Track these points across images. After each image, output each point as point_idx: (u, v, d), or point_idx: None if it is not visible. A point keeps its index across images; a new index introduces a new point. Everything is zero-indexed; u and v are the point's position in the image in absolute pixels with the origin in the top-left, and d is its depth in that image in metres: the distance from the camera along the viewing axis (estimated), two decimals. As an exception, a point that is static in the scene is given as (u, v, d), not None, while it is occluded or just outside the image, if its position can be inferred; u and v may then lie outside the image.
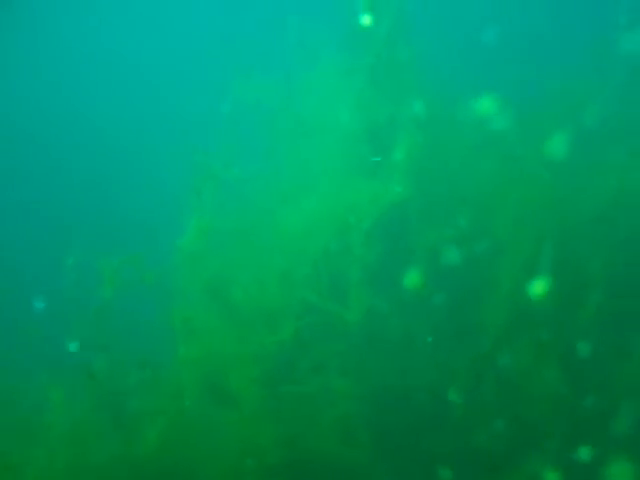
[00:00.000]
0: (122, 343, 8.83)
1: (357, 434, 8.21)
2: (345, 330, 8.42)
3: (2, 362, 8.93)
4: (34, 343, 9.32)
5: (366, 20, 8.44)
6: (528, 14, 9.37)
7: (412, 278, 8.36)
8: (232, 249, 8.87)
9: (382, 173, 8.51)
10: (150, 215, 9.93)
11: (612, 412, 7.77)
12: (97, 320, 8.82)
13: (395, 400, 8.29)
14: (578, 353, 7.92)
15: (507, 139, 8.36)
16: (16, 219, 10.90)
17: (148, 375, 8.73)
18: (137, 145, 10.70)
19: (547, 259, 7.82)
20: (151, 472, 8.38)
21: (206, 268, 8.83)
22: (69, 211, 10.63)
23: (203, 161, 8.88)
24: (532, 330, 8.12)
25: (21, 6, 11.12)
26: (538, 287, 7.89)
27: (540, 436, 7.84)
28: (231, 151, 8.89)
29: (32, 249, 10.47)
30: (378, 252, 8.44)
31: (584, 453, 7.50)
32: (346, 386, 8.31)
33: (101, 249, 8.75)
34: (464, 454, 8.00)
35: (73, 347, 8.99)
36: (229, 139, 8.88)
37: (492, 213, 8.40)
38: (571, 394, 7.90)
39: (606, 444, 7.56)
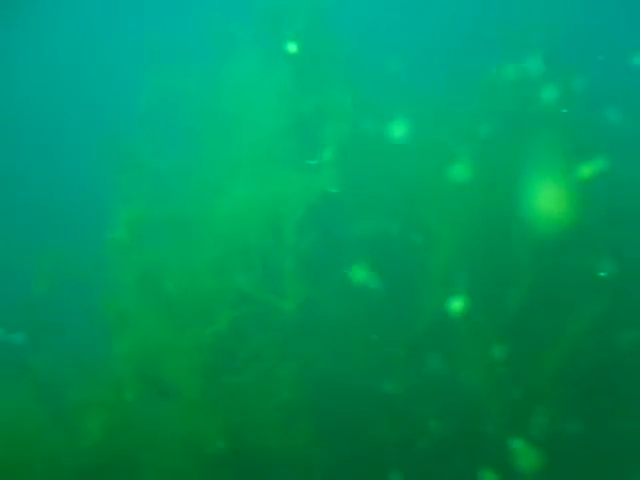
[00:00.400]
0: (57, 337, 8.78)
1: (298, 422, 8.37)
2: (282, 319, 8.52)
3: None
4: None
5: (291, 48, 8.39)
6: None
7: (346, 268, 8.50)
8: (163, 240, 8.86)
9: (311, 165, 8.55)
10: (78, 208, 9.79)
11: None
12: (29, 315, 8.75)
13: (334, 387, 8.47)
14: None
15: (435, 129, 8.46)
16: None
17: (85, 369, 8.69)
18: (61, 138, 10.47)
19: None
20: (93, 465, 8.41)
21: (137, 260, 8.80)
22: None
23: (130, 152, 8.76)
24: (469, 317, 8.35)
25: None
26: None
27: (476, 422, 8.15)
28: (157, 141, 8.81)
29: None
30: (311, 241, 8.50)
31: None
32: (285, 375, 8.43)
33: (32, 244, 8.63)
34: (407, 439, 8.27)
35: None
36: (155, 129, 8.79)
37: (421, 202, 8.53)
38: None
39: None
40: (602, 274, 8.22)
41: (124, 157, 8.80)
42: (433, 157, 8.66)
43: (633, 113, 8.72)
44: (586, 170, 8.19)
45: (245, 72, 8.80)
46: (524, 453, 7.88)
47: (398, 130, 8.66)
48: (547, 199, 8.12)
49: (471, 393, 8.23)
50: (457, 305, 8.25)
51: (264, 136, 8.73)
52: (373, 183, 8.67)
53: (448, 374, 8.35)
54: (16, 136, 10.85)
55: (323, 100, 8.65)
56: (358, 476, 8.26)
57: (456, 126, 8.62)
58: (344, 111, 8.60)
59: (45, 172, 10.63)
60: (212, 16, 8.83)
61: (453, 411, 8.31)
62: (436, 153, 8.63)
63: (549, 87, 8.49)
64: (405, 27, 9.12)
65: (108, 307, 8.73)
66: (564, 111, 8.36)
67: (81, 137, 10.02)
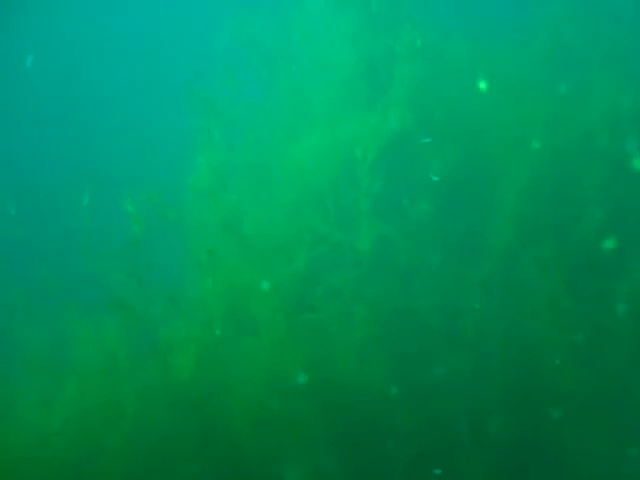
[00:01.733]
0: (150, 276, 9.18)
1: (373, 358, 8.67)
2: (356, 258, 8.77)
3: (30, 299, 9.22)
4: (60, 278, 9.63)
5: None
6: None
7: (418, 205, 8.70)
8: (242, 185, 9.15)
9: (382, 106, 8.70)
10: (162, 154, 10.15)
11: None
12: (123, 253, 9.15)
13: (407, 325, 8.72)
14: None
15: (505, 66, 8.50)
16: (33, 162, 11.15)
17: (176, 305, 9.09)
18: (145, 87, 10.80)
19: None
20: (185, 398, 8.80)
21: (219, 204, 9.11)
22: (84, 155, 10.87)
23: (210, 99, 9.04)
24: (533, 249, 8.47)
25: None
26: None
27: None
28: (234, 88, 9.07)
29: (49, 191, 10.73)
30: (383, 182, 8.70)
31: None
32: (360, 311, 8.72)
33: (118, 189, 9.02)
34: (476, 374, 8.50)
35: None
36: (231, 76, 9.04)
37: (490, 138, 8.61)
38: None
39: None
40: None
41: (204, 104, 9.07)
42: (505, 103, 8.72)
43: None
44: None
45: (316, 15, 8.93)
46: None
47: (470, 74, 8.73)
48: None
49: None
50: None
51: (335, 80, 8.89)
52: (443, 124, 8.76)
53: (517, 312, 8.50)
54: (106, 87, 11.24)
55: (393, 41, 8.73)
56: (431, 411, 8.54)
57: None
58: (414, 54, 8.69)
59: (130, 122, 11.01)
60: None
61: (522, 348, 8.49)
62: (508, 100, 8.69)
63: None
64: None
65: (194, 248, 9.08)
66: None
67: (163, 85, 10.35)
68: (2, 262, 9.82)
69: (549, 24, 8.83)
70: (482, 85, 8.68)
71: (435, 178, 8.62)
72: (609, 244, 8.41)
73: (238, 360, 8.97)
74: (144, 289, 9.09)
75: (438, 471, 8.31)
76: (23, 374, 8.91)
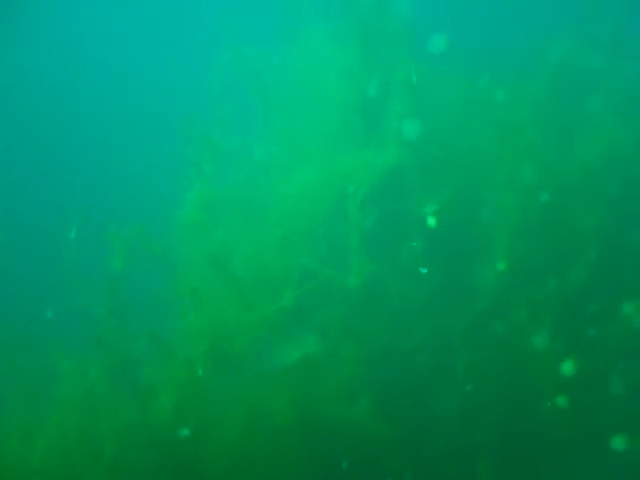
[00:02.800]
0: (129, 312, 9.03)
1: (360, 396, 8.45)
2: (345, 295, 8.60)
3: (13, 330, 9.02)
4: (44, 313, 9.50)
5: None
6: None
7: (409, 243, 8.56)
8: (232, 219, 9.03)
9: (375, 141, 8.62)
10: (151, 187, 10.07)
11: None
12: (105, 289, 9.01)
13: (395, 363, 8.52)
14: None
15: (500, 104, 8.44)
16: (21, 192, 11.08)
17: (158, 343, 8.92)
18: (137, 120, 10.78)
19: None
20: (164, 440, 8.59)
21: (207, 238, 8.98)
22: (72, 186, 10.80)
23: (203, 133, 8.98)
24: (524, 290, 8.31)
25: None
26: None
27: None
28: (227, 121, 9.00)
29: (36, 223, 10.64)
30: (374, 218, 8.57)
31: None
32: (348, 349, 8.52)
33: (106, 221, 8.92)
34: (466, 414, 8.29)
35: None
36: (225, 110, 8.98)
37: (485, 177, 8.52)
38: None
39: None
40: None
41: (197, 138, 9.01)
42: (501, 141, 8.66)
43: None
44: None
45: (312, 49, 8.92)
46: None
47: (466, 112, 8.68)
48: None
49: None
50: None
51: (329, 114, 8.84)
52: (437, 157, 8.68)
53: (508, 352, 8.32)
54: (90, 119, 11.20)
55: (388, 78, 8.70)
56: (417, 449, 8.30)
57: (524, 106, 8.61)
58: (407, 89, 8.64)
59: (121, 152, 10.95)
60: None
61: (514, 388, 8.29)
62: (500, 135, 8.62)
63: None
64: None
65: (180, 284, 8.92)
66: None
67: (155, 119, 10.31)
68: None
69: (549, 63, 8.77)
70: (478, 123, 8.59)
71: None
72: (600, 286, 8.28)
73: (220, 400, 8.74)
74: (125, 326, 8.95)
75: None
76: (5, 406, 8.72)
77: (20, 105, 11.30)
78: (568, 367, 8.09)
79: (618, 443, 7.98)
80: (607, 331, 8.38)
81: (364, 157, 8.59)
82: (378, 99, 8.75)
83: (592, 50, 8.76)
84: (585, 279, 8.38)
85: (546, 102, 8.59)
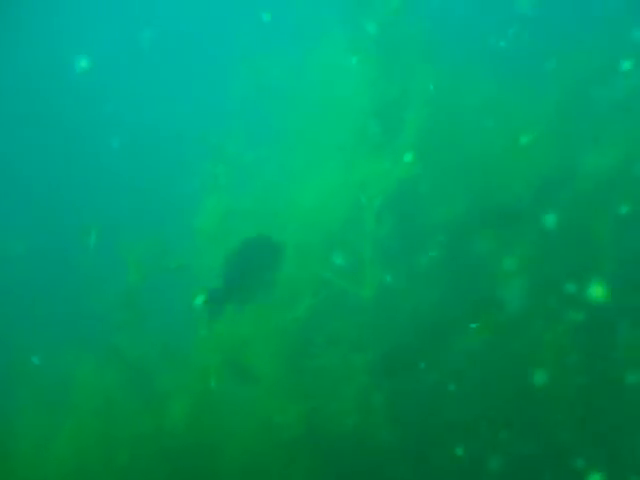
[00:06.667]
0: (147, 324, 9.05)
1: (372, 406, 8.35)
2: (359, 305, 8.53)
3: (33, 337, 9.08)
4: (63, 322, 9.55)
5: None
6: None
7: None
8: (248, 229, 9.00)
9: (392, 151, 8.58)
10: (169, 199, 10.12)
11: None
12: (123, 301, 9.05)
13: (407, 373, 8.41)
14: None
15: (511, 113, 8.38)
16: (42, 201, 11.20)
17: (173, 354, 8.91)
18: (156, 132, 10.87)
19: None
20: (178, 448, 8.56)
21: (224, 249, 8.96)
22: (92, 198, 10.90)
23: (221, 145, 9.02)
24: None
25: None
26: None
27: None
28: (244, 133, 9.04)
29: (54, 233, 10.75)
30: (389, 229, 8.52)
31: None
32: (360, 360, 8.43)
33: (122, 232, 8.98)
34: (473, 421, 8.14)
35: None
36: (244, 122, 9.04)
37: (499, 187, 8.43)
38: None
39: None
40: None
41: (213, 150, 9.05)
42: (518, 153, 8.59)
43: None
44: None
45: (329, 58, 8.93)
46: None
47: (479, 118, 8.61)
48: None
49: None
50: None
51: (346, 124, 8.82)
52: (453, 166, 8.61)
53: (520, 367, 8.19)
54: (107, 130, 11.31)
55: (405, 84, 8.67)
56: (427, 458, 8.16)
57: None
58: (426, 97, 8.62)
59: (140, 165, 11.03)
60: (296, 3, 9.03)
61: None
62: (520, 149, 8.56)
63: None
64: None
65: (197, 295, 8.90)
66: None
67: (175, 132, 10.38)
68: (7, 300, 9.78)
69: (564, 72, 8.70)
70: (494, 132, 8.52)
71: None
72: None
73: (233, 410, 8.69)
74: (140, 336, 8.93)
75: None
76: (24, 412, 8.76)
77: (38, 116, 11.46)
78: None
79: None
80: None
81: (380, 167, 8.54)
82: (395, 108, 8.70)
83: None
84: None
85: (565, 110, 8.48)
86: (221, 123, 9.11)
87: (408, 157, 8.46)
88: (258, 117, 9.09)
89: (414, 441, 8.25)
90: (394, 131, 8.68)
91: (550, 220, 8.21)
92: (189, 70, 10.93)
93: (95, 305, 9.08)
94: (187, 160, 9.21)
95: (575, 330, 8.15)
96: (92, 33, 11.38)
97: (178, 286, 8.93)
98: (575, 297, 8.25)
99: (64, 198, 11.05)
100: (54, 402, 8.83)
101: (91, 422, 8.71)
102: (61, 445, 8.64)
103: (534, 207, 8.35)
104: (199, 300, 8.86)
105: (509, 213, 8.41)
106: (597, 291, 8.04)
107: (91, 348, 8.93)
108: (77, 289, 9.42)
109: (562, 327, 8.19)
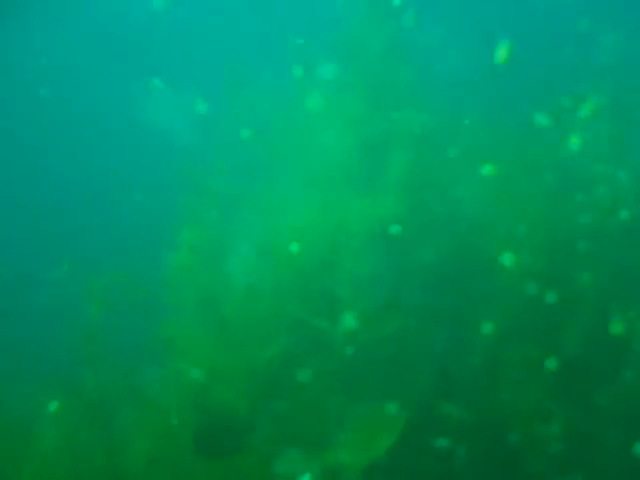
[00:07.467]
0: (111, 359, 8.78)
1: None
2: (334, 347, 8.36)
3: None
4: (26, 354, 9.23)
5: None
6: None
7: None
8: (222, 263, 8.85)
9: (374, 191, 8.53)
10: (141, 231, 9.92)
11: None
12: (86, 335, 8.80)
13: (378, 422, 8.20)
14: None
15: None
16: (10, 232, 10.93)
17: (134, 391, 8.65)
18: (133, 164, 10.74)
19: None
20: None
21: (196, 282, 8.79)
22: (59, 229, 10.68)
23: (203, 179, 8.93)
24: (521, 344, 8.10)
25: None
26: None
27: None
28: (227, 167, 8.96)
29: (22, 262, 10.50)
30: (367, 269, 8.40)
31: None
32: (332, 406, 8.22)
33: (90, 265, 8.78)
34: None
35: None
36: (224, 155, 8.95)
37: (485, 230, 8.40)
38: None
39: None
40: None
41: (197, 185, 8.94)
42: (503, 195, 8.59)
43: None
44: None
45: (316, 96, 8.90)
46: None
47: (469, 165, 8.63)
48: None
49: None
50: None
51: (330, 162, 8.76)
52: (436, 209, 8.58)
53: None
54: (87, 161, 11.12)
55: (389, 125, 8.67)
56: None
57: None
58: (410, 140, 8.61)
59: (115, 198, 10.84)
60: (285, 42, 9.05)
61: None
62: (507, 192, 8.57)
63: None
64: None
65: (164, 330, 8.70)
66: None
67: (154, 164, 10.22)
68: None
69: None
70: (479, 176, 8.52)
71: None
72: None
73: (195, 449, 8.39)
74: (101, 374, 8.65)
75: None
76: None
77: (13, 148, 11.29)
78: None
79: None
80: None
81: (359, 207, 8.47)
82: (380, 148, 8.68)
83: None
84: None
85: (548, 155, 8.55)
86: (202, 154, 9.02)
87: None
88: (242, 152, 9.00)
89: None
90: (377, 172, 8.63)
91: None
92: (166, 101, 10.81)
93: (57, 339, 8.77)
94: (166, 192, 9.04)
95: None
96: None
97: (146, 319, 8.70)
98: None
99: (29, 227, 10.79)
100: (15, 437, 8.50)
101: (53, 458, 8.41)
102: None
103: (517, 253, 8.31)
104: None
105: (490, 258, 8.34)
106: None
107: (54, 383, 8.59)
108: (38, 321, 9.19)
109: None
